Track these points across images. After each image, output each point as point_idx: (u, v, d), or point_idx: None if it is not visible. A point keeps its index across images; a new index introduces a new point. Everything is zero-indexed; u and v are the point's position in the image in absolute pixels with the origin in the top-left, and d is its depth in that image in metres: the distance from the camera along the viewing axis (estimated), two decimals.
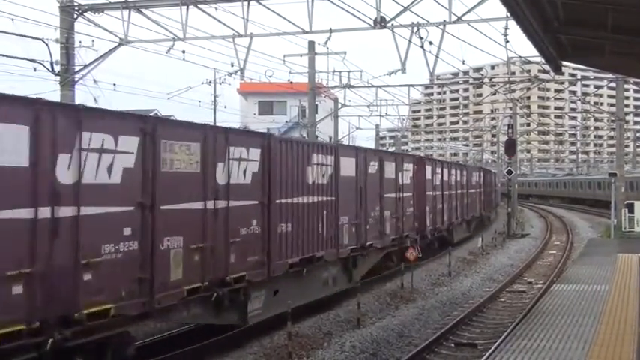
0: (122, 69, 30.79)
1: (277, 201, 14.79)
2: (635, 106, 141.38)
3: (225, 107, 52.83)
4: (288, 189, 15.34)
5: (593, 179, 69.54)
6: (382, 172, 21.56)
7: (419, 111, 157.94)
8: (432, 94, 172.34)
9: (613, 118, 46.23)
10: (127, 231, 10.46)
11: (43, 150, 9.14)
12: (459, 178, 35.00)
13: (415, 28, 21.61)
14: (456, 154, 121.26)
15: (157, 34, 21.77)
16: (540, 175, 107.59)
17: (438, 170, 30.32)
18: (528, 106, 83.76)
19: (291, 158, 15.54)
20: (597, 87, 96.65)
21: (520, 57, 32.20)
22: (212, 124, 16.91)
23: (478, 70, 61.18)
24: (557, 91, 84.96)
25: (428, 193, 27.78)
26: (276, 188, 14.77)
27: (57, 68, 20.11)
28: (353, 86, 34.69)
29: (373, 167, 20.85)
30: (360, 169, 19.63)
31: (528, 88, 58.33)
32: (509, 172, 44.59)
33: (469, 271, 26.12)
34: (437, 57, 23.13)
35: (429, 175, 28.21)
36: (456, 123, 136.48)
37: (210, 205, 12.43)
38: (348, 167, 18.77)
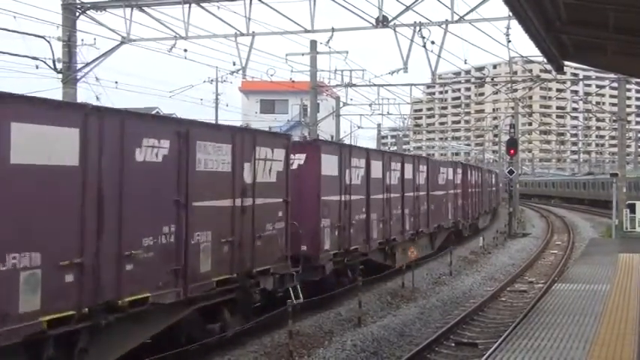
0: (124, 67, 30.77)
1: None
2: (637, 106, 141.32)
3: (227, 106, 52.96)
4: None
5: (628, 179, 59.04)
6: (186, 160, 11.96)
7: (421, 110, 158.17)
8: (433, 93, 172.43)
9: (615, 118, 46.17)
10: None
11: None
12: (409, 176, 24.93)
13: (417, 28, 21.62)
14: (457, 154, 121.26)
15: (159, 33, 21.81)
16: (553, 175, 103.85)
17: (359, 163, 20.21)
18: (530, 106, 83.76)
19: None
20: (599, 87, 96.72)
21: (522, 56, 32.16)
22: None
23: (480, 69, 61.16)
24: (559, 90, 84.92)
25: (328, 197, 17.94)
26: None
27: (59, 66, 20.14)
28: (355, 85, 34.70)
29: (154, 151, 11.25)
30: (96, 155, 10.06)
31: (530, 88, 58.28)
32: (511, 172, 44.49)
33: (470, 271, 26.12)
34: (439, 56, 23.18)
35: (330, 170, 18.24)
36: (458, 122, 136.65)
37: None
38: (48, 148, 9.35)
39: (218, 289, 12.91)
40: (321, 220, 17.52)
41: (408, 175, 24.89)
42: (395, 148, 76.21)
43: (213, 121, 34.42)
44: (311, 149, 17.84)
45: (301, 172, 17.11)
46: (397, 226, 23.29)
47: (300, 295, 15.56)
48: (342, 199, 18.91)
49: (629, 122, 66.21)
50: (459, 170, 35.43)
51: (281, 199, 15.27)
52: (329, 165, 18.23)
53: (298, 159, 17.22)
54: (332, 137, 43.11)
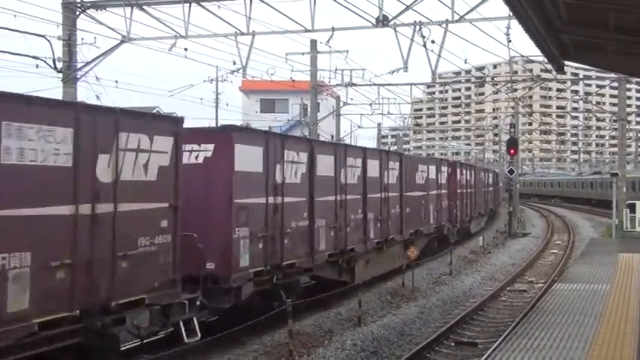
0: (124, 66, 30.83)
1: None
2: (638, 106, 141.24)
3: (227, 105, 53.06)
4: None
5: (633, 178, 51.36)
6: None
7: (421, 110, 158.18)
8: (434, 92, 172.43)
9: (615, 118, 46.17)
10: None
11: None
12: (375, 174, 21.15)
13: (417, 27, 21.61)
14: (457, 153, 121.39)
15: (160, 32, 21.79)
16: (557, 174, 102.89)
17: (298, 157, 16.36)
18: (530, 106, 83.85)
19: None
20: (599, 86, 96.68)
21: (522, 56, 32.18)
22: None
23: (480, 69, 61.25)
24: (559, 90, 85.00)
25: (246, 200, 14.03)
26: None
27: (59, 65, 20.11)
28: (355, 85, 34.69)
29: None
30: None
31: (530, 88, 58.34)
32: (511, 172, 44.46)
33: (470, 270, 26.13)
34: (439, 56, 23.18)
35: (250, 166, 14.29)
36: (458, 122, 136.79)
37: None
38: None
39: (44, 333, 9.13)
40: (234, 229, 13.52)
41: (373, 172, 20.99)
42: (395, 147, 76.21)
43: (214, 120, 34.30)
44: (220, 138, 13.78)
45: (208, 167, 13.46)
46: (357, 233, 19.48)
47: (198, 332, 11.94)
48: (271, 201, 14.96)
49: (629, 122, 66.19)
50: (444, 168, 31.04)
51: (165, 204, 11.31)
52: (248, 158, 14.12)
53: (205, 150, 13.56)
54: (332, 137, 43.13)
